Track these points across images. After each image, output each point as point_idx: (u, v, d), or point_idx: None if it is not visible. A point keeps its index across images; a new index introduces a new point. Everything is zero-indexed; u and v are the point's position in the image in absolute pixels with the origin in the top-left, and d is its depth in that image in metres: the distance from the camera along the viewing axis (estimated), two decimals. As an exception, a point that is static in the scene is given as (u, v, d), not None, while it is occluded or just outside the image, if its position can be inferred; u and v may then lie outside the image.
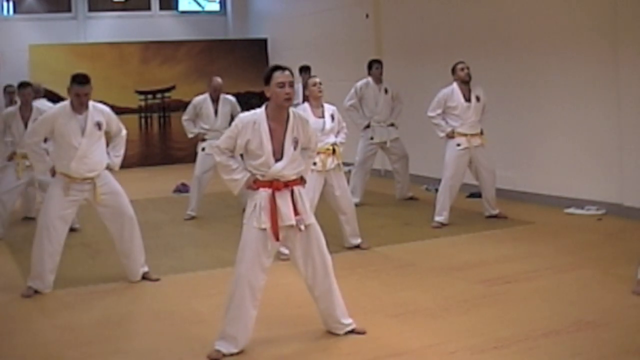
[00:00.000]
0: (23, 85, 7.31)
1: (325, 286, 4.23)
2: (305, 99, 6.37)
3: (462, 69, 7.31)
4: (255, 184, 4.11)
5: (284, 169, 4.08)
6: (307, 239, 4.18)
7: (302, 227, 4.12)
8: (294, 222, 4.09)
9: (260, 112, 4.12)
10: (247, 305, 4.04)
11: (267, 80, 4.07)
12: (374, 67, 8.72)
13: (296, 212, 4.11)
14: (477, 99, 7.36)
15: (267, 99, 4.12)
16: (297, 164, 4.17)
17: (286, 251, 4.82)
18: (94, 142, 5.33)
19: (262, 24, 14.98)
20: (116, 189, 5.51)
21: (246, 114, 4.20)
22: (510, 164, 8.45)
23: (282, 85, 4.03)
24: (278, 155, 4.09)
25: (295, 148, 4.13)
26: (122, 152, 5.69)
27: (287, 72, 4.07)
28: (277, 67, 4.10)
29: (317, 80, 6.26)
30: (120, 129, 5.65)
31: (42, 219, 5.37)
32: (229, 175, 4.18)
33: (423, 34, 10.12)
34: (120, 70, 13.43)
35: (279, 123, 4.10)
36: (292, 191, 4.14)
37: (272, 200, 4.07)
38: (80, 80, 5.24)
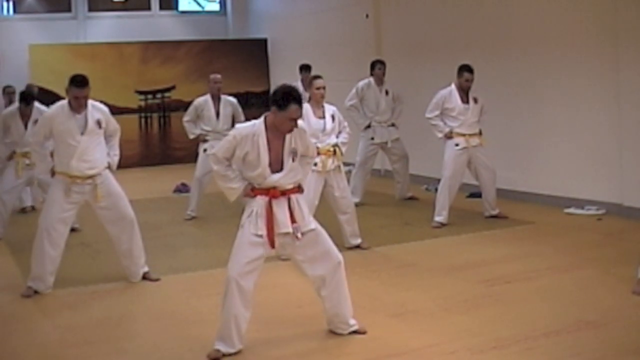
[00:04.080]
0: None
1: (332, 286, 4.21)
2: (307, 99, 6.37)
3: (467, 80, 7.29)
4: (252, 192, 4.12)
5: (280, 179, 4.09)
6: (311, 243, 4.17)
7: (299, 235, 4.12)
8: (290, 230, 4.09)
9: (259, 123, 4.10)
10: (238, 307, 4.02)
11: (281, 106, 3.97)
12: (377, 67, 8.71)
13: (293, 220, 4.11)
14: (475, 100, 7.36)
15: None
16: (294, 173, 4.18)
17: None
18: (94, 140, 5.33)
19: (262, 24, 14.98)
20: (116, 191, 5.51)
21: (244, 125, 4.20)
22: (511, 164, 8.44)
23: (293, 120, 4.02)
24: (276, 167, 4.09)
25: (293, 159, 4.14)
26: (118, 151, 5.70)
27: (300, 107, 4.02)
28: (295, 100, 3.99)
29: (322, 84, 6.20)
30: (117, 129, 5.66)
31: (43, 221, 5.36)
32: (226, 184, 4.18)
33: (423, 34, 10.11)
34: (120, 70, 13.42)
35: (277, 136, 4.10)
36: (289, 199, 4.14)
37: (269, 208, 4.08)
38: (78, 83, 5.22)
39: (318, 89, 6.20)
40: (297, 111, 4.00)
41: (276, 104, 4.00)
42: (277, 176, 4.08)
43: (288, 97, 3.98)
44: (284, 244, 4.16)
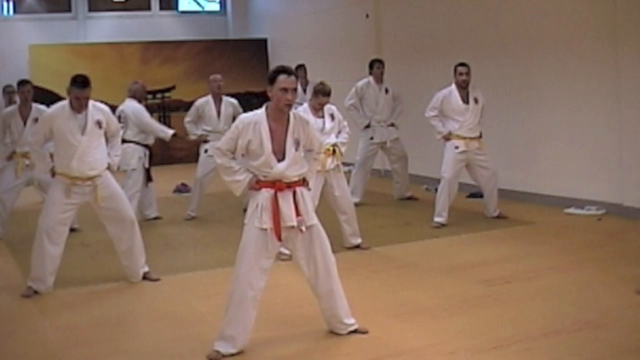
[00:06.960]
0: (22, 82, 7.31)
1: (327, 286, 4.22)
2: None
3: (461, 74, 7.27)
4: (257, 184, 4.11)
5: (286, 169, 4.08)
6: (310, 239, 4.17)
7: (303, 228, 4.12)
8: (295, 223, 4.09)
9: (260, 112, 4.12)
10: (247, 305, 4.03)
11: (272, 81, 4.04)
12: (375, 66, 8.71)
13: (298, 213, 4.11)
14: (476, 101, 7.34)
15: (268, 99, 4.12)
16: (300, 165, 4.16)
17: (287, 251, 4.82)
18: (94, 140, 5.33)
19: (262, 24, 14.98)
20: (117, 192, 5.51)
21: (247, 114, 4.21)
22: (511, 164, 8.44)
23: (285, 90, 4.01)
24: (279, 156, 4.08)
25: (296, 149, 4.12)
26: (120, 152, 5.71)
27: (292, 78, 4.03)
28: (284, 70, 4.05)
29: (327, 102, 6.15)
30: (118, 129, 5.66)
31: (42, 222, 5.36)
32: (231, 177, 4.17)
33: (423, 34, 10.12)
34: (120, 70, 13.41)
35: (279, 123, 4.10)
36: (295, 192, 4.14)
37: (274, 201, 4.07)
38: (79, 83, 5.21)
39: (321, 104, 6.19)
40: (285, 81, 4.00)
41: (269, 82, 4.05)
42: (282, 166, 4.06)
43: (276, 71, 4.06)
44: (287, 238, 4.16)
